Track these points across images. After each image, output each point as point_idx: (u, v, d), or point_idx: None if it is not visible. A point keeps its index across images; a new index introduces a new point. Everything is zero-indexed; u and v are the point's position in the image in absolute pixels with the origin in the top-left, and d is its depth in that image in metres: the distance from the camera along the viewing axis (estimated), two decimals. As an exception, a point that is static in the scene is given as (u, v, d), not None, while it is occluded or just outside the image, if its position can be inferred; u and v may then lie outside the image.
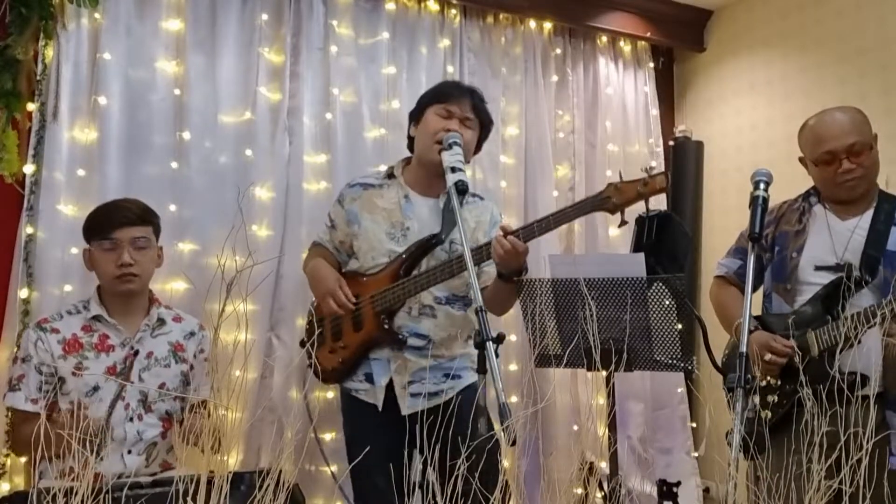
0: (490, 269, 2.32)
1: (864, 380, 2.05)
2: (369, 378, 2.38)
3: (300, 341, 2.68)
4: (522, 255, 2.12)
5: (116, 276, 2.19)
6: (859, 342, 2.07)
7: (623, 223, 2.10)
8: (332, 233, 2.55)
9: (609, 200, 2.10)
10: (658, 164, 3.85)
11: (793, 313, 2.26)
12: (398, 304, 2.32)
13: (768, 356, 2.19)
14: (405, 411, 2.29)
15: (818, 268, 2.25)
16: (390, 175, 2.48)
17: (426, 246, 2.33)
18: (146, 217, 2.28)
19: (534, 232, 2.13)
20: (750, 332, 2.25)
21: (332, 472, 2.73)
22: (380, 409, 2.34)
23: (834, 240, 2.26)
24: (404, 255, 2.34)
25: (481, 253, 2.20)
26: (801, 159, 2.39)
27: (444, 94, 2.40)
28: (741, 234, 2.51)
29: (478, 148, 2.49)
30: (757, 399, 2.17)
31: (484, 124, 2.44)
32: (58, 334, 2.17)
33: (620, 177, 2.10)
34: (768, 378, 2.23)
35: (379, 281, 2.36)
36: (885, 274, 2.15)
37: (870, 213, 2.26)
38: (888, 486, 1.61)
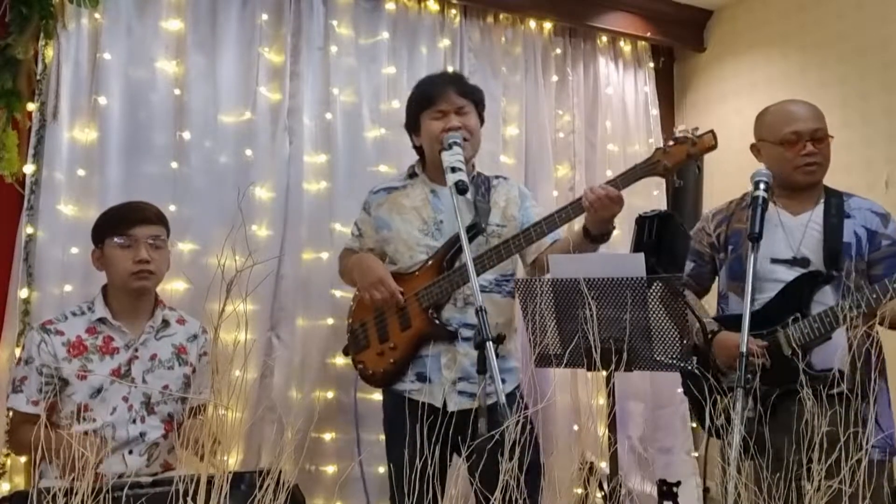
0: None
1: (840, 375, 2.06)
2: (421, 377, 2.34)
3: (343, 349, 2.61)
4: (616, 203, 2.14)
5: (133, 272, 2.18)
6: (829, 339, 2.09)
7: (678, 184, 2.14)
8: (360, 241, 2.58)
9: (660, 164, 2.17)
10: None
11: (757, 311, 2.22)
12: (445, 297, 2.32)
13: None
14: (452, 408, 2.25)
15: (774, 260, 2.25)
16: (412, 175, 2.51)
17: (468, 236, 2.33)
18: (162, 218, 2.30)
19: (618, 185, 2.17)
20: (714, 332, 2.25)
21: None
22: (438, 406, 2.25)
23: (788, 235, 2.27)
24: (445, 249, 2.35)
25: (554, 220, 2.23)
26: (753, 146, 2.40)
27: (428, 98, 2.41)
28: None
29: (482, 121, 2.50)
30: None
31: (476, 101, 2.45)
32: (62, 336, 2.17)
33: (664, 141, 2.14)
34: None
35: (422, 277, 2.36)
36: (846, 267, 2.17)
37: (820, 208, 2.29)
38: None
